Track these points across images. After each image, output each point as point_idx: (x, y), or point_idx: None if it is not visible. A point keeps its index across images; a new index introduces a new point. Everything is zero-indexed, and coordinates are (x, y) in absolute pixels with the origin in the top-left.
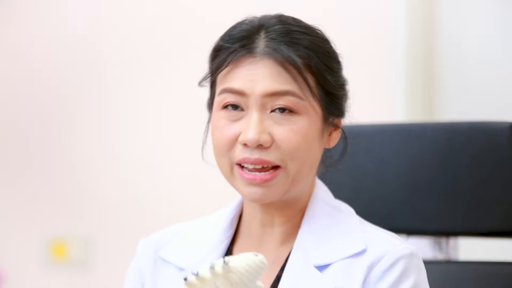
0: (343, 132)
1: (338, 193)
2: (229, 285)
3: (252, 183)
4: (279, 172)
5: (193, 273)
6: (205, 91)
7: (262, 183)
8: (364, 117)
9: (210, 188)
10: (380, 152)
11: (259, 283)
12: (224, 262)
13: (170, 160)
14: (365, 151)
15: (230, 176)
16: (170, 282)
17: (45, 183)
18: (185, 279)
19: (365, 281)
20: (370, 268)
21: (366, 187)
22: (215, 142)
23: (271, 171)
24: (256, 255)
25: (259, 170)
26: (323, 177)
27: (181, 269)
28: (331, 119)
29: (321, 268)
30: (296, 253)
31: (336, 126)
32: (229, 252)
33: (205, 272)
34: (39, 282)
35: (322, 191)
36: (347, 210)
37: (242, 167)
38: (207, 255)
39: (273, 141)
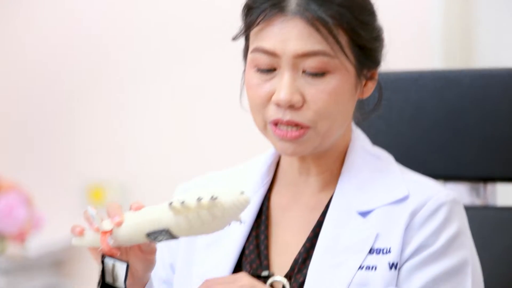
0: (379, 83)
1: (375, 141)
2: (211, 218)
3: (283, 139)
4: (309, 131)
5: (179, 200)
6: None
7: (293, 139)
8: (401, 64)
9: (242, 139)
10: (417, 99)
11: (240, 217)
12: (212, 197)
13: (206, 110)
14: (402, 98)
15: (264, 131)
16: None
17: (84, 129)
18: (170, 203)
19: (407, 227)
20: (413, 214)
21: (403, 134)
22: (249, 100)
23: (302, 128)
24: (242, 193)
25: (291, 126)
26: (359, 124)
27: None
28: (365, 72)
29: (363, 213)
30: (337, 198)
31: (371, 77)
32: (267, 198)
33: (191, 202)
34: None
35: (360, 139)
36: (386, 158)
37: (276, 125)
38: None
39: (304, 101)
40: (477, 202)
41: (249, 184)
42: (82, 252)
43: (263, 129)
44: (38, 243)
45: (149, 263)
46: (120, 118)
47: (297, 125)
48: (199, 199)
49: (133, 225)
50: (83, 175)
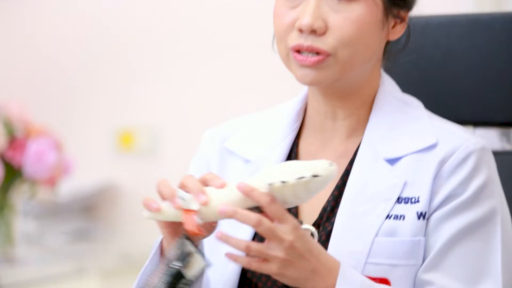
0: (408, 26)
1: (404, 86)
2: (306, 193)
3: (303, 64)
4: (329, 58)
5: (279, 179)
6: None
7: (312, 65)
8: (432, 9)
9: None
10: (447, 44)
11: None
12: (313, 175)
13: (235, 54)
14: (432, 43)
15: (286, 61)
16: (236, 173)
17: (114, 73)
18: (270, 184)
19: (436, 176)
20: (442, 163)
21: (433, 79)
22: (275, 28)
23: (322, 55)
24: (331, 165)
25: (312, 53)
26: (389, 70)
27: (247, 161)
28: (395, 11)
29: (391, 161)
30: (365, 146)
31: (401, 19)
32: (295, 145)
33: (291, 180)
34: (107, 171)
35: (389, 85)
36: (415, 104)
37: (297, 52)
38: (273, 147)
39: (327, 28)
40: (507, 147)
41: (277, 130)
42: (112, 197)
43: (286, 57)
44: (68, 188)
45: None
46: (150, 63)
47: (318, 53)
48: (300, 178)
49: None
50: (113, 119)
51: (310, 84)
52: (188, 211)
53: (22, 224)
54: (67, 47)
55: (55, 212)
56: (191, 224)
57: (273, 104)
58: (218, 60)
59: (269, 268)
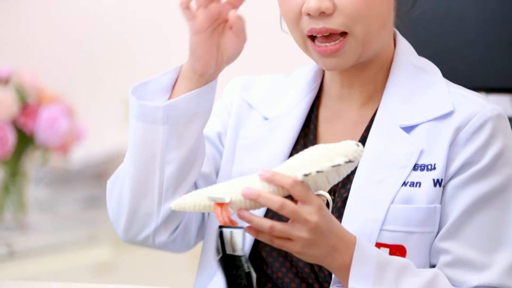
0: None
1: (416, 51)
2: (337, 176)
3: (324, 55)
4: (347, 39)
5: (314, 169)
6: None
7: (333, 53)
8: None
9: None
10: (460, 8)
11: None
12: (347, 161)
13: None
14: (444, 7)
15: (304, 49)
16: (253, 128)
17: (125, 40)
18: (306, 175)
19: (452, 143)
20: (458, 130)
21: (445, 45)
22: (284, 17)
23: (340, 39)
24: (358, 146)
25: (328, 39)
26: (419, 40)
27: (265, 118)
28: None
29: (407, 129)
30: (381, 113)
31: None
32: (315, 107)
33: (327, 168)
34: (119, 138)
35: (405, 49)
36: (432, 70)
37: (313, 39)
38: (293, 106)
39: (335, 7)
40: None
41: (296, 90)
42: None
43: (303, 45)
44: (80, 155)
45: (237, 51)
46: (162, 31)
47: (332, 34)
48: (335, 165)
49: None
50: (125, 86)
51: (335, 70)
52: (220, 204)
53: (34, 191)
54: (82, 15)
55: (67, 179)
56: (224, 216)
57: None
58: None
59: (292, 247)
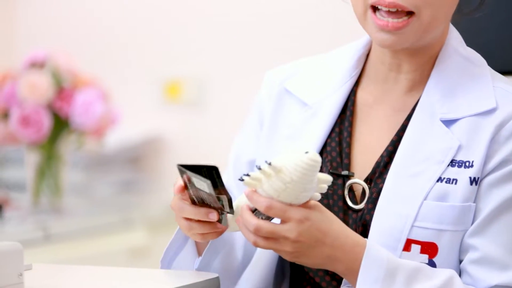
0: None
1: (470, 43)
2: (283, 184)
3: (384, 29)
4: (413, 20)
5: (245, 174)
6: None
7: (394, 31)
8: None
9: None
10: None
11: (324, 180)
12: (266, 161)
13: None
14: None
15: (362, 19)
16: (292, 115)
17: (162, 25)
18: (241, 179)
19: (492, 140)
20: (499, 127)
21: (483, 28)
22: None
23: (405, 18)
24: (306, 153)
25: (393, 15)
26: (456, 24)
27: (305, 104)
28: None
29: (447, 123)
30: (423, 104)
31: None
32: (353, 93)
33: (256, 173)
34: (154, 122)
35: (455, 39)
36: (479, 62)
37: (375, 10)
38: (332, 93)
39: None
40: None
41: (336, 75)
42: (159, 148)
43: (363, 15)
44: (115, 139)
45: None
46: (197, 14)
47: (399, 8)
48: (259, 168)
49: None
50: (160, 70)
51: (389, 48)
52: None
53: (69, 175)
54: None
55: (102, 163)
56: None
57: (329, 49)
58: (266, 10)
59: (282, 255)
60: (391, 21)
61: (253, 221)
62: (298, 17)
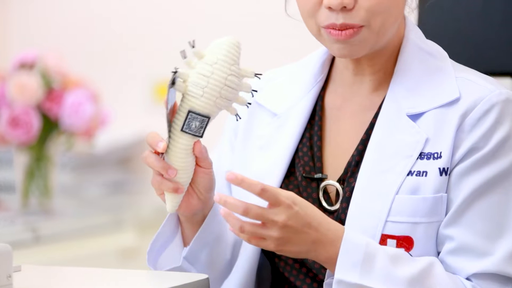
0: None
1: (439, 36)
2: (209, 66)
3: (339, 39)
4: (363, 29)
5: (173, 71)
6: None
7: (348, 38)
8: None
9: None
10: None
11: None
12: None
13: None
14: None
15: (318, 36)
16: (262, 125)
17: (151, 25)
18: (173, 79)
19: (458, 129)
20: (464, 116)
21: (471, 29)
22: (300, 6)
23: (355, 28)
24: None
25: (343, 28)
26: (424, 20)
27: (274, 114)
28: None
29: (413, 117)
30: (389, 101)
31: None
32: (320, 98)
33: (184, 69)
34: (143, 123)
35: (414, 33)
36: (440, 54)
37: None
38: (299, 100)
39: (356, 1)
40: None
41: (303, 82)
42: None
43: (317, 34)
44: (105, 140)
45: (209, 179)
46: (187, 15)
47: (351, 27)
48: (183, 57)
49: (171, 144)
50: (150, 72)
51: (348, 57)
52: (157, 152)
53: (59, 176)
54: None
55: (92, 164)
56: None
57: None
58: (255, 16)
59: (266, 245)
60: (343, 32)
61: (242, 204)
62: (298, 17)
